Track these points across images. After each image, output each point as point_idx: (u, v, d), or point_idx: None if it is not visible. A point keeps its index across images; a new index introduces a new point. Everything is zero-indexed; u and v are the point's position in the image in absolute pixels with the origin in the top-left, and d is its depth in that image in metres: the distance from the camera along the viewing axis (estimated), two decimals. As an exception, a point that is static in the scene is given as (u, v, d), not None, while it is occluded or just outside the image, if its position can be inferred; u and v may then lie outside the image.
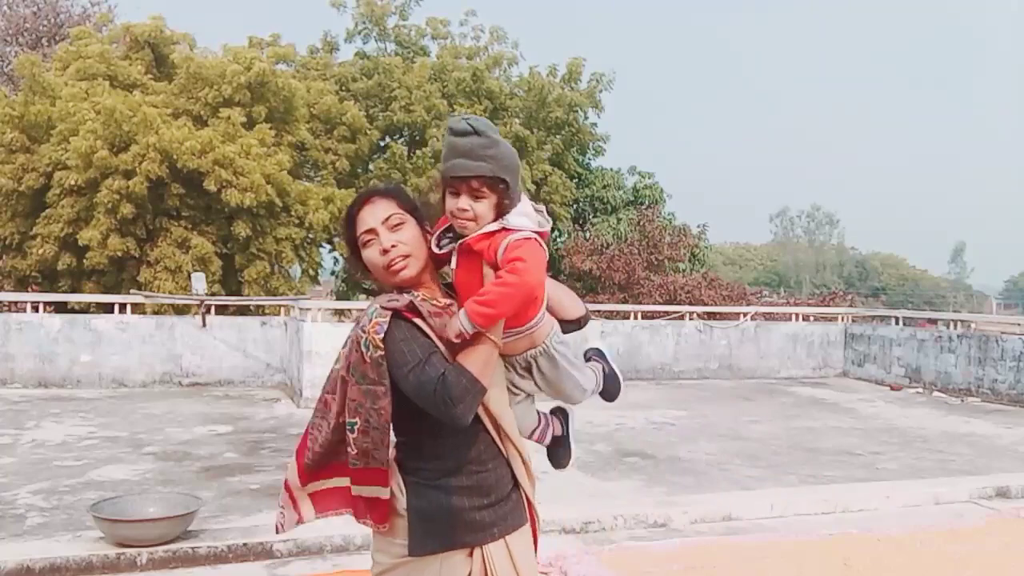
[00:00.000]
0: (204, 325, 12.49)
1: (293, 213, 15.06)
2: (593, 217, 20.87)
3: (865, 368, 14.82)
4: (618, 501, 6.26)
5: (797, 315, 15.80)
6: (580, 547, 5.27)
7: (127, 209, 13.30)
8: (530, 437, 2.21)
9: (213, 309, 12.87)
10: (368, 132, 17.67)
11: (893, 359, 14.23)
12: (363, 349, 1.92)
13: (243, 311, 14.09)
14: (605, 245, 18.52)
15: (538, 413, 2.23)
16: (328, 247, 17.24)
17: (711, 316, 15.32)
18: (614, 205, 20.89)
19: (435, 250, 2.02)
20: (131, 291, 13.34)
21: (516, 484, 2.08)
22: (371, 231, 2.00)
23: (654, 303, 16.33)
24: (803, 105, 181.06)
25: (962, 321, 14.24)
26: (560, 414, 2.28)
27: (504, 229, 1.93)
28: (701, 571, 4.96)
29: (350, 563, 4.92)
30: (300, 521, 2.16)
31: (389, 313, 1.93)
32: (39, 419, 9.37)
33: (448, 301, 2.02)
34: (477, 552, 1.98)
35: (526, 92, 19.54)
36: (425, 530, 1.96)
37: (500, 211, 1.93)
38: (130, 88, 14.96)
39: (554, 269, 17.98)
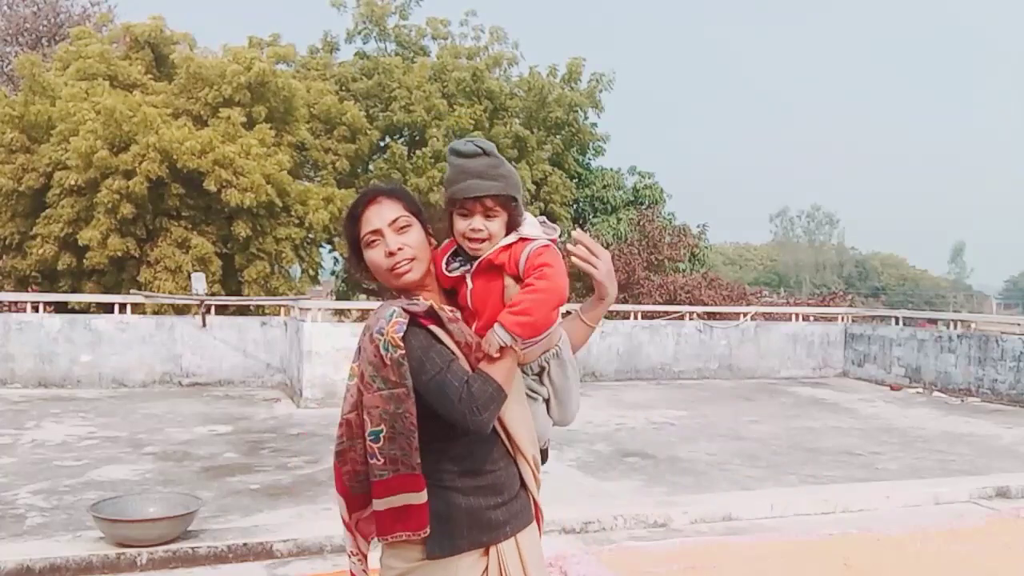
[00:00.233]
0: (204, 325, 12.49)
1: (293, 213, 15.06)
2: (593, 217, 20.87)
3: (865, 368, 14.82)
4: (618, 501, 6.26)
5: (797, 315, 15.80)
6: (580, 547, 5.27)
7: (127, 209, 13.30)
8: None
9: (213, 309, 12.87)
10: (368, 132, 17.67)
11: (893, 359, 14.23)
12: (383, 351, 1.87)
13: (243, 311, 14.09)
14: (605, 245, 18.50)
15: None
16: (328, 247, 17.24)
17: (711, 316, 15.33)
18: (614, 205, 20.89)
19: (445, 273, 2.04)
20: (131, 291, 13.34)
21: (523, 483, 2.08)
22: (376, 232, 1.98)
23: (654, 303, 16.33)
24: (803, 105, 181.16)
25: (962, 321, 14.24)
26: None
27: (521, 239, 1.97)
28: (701, 571, 4.96)
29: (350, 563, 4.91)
30: (364, 558, 2.14)
31: (408, 316, 1.91)
32: (39, 419, 9.37)
33: (452, 311, 2.01)
34: (492, 550, 1.98)
35: (526, 92, 19.54)
36: (443, 531, 1.94)
37: (511, 229, 1.98)
38: (130, 88, 14.96)
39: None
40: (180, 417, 9.67)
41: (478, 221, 1.95)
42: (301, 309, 11.67)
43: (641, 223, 19.14)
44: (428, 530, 1.93)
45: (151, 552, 4.78)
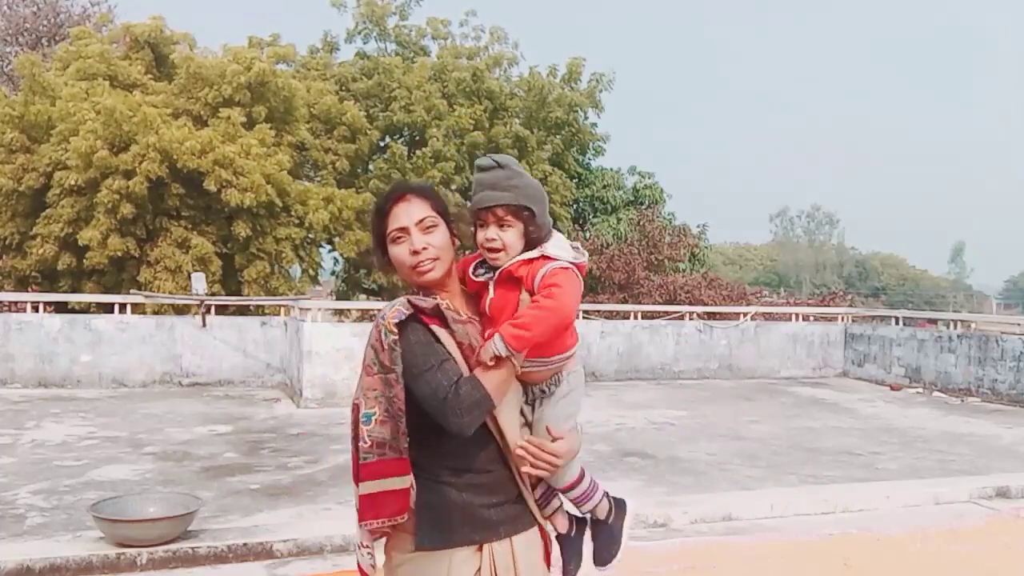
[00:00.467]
0: (204, 325, 12.49)
1: (293, 213, 15.06)
2: (593, 217, 20.88)
3: (865, 368, 14.82)
4: (618, 501, 6.25)
5: (797, 315, 15.80)
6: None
7: (127, 209, 13.30)
8: (568, 492, 2.12)
9: (213, 309, 12.87)
10: (368, 132, 17.67)
11: (893, 359, 14.23)
12: (382, 336, 1.95)
13: (243, 311, 14.09)
14: (605, 245, 18.53)
15: (583, 472, 2.14)
16: (328, 247, 17.24)
17: (711, 316, 15.32)
18: (614, 205, 20.90)
19: (472, 278, 2.08)
20: (131, 291, 13.34)
21: (520, 493, 2.08)
22: (403, 229, 2.02)
23: (654, 303, 16.33)
24: (802, 105, 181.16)
25: (962, 321, 14.24)
26: (618, 504, 2.22)
27: (544, 257, 2.00)
28: (701, 571, 4.96)
29: (350, 563, 4.91)
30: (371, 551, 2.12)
31: (412, 309, 1.96)
32: (39, 419, 9.37)
33: (469, 315, 2.05)
34: (486, 548, 2.00)
35: (526, 92, 19.54)
36: (433, 524, 1.98)
37: (528, 239, 2.00)
38: (130, 88, 14.95)
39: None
40: (180, 417, 9.67)
41: (492, 231, 1.99)
42: (301, 309, 11.67)
43: (641, 223, 19.14)
44: (407, 516, 1.96)
45: (151, 552, 4.78)
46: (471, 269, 2.09)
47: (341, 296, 19.75)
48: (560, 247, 2.03)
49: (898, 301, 52.09)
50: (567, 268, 2.00)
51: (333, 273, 20.19)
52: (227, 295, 13.91)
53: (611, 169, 21.71)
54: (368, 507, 1.98)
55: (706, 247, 22.15)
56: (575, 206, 20.82)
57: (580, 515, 2.20)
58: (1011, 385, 12.11)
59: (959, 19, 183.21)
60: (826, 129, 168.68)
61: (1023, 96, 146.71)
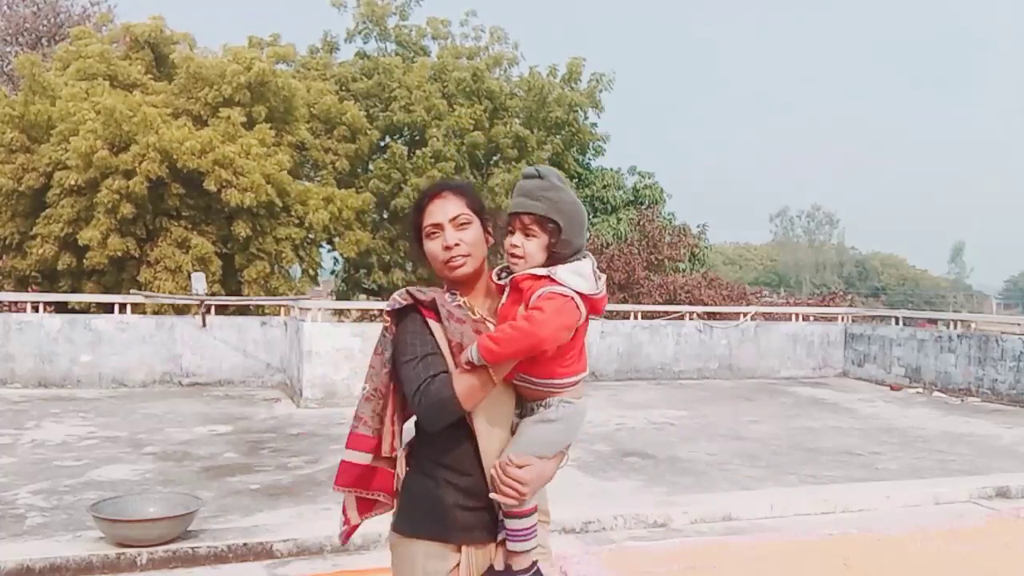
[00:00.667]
0: (204, 325, 12.49)
1: (293, 213, 15.06)
2: (593, 217, 20.88)
3: (865, 368, 14.82)
4: (618, 501, 6.26)
5: (797, 315, 15.80)
6: (580, 547, 5.28)
7: (127, 209, 13.29)
8: (509, 519, 2.00)
9: (213, 309, 12.87)
10: (368, 132, 17.67)
11: (893, 359, 14.23)
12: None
13: (243, 311, 14.09)
14: (605, 245, 18.54)
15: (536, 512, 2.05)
16: (328, 247, 17.24)
17: (711, 316, 15.32)
18: (614, 205, 20.91)
19: (495, 280, 2.12)
20: (131, 291, 13.34)
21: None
22: (437, 225, 2.08)
23: (654, 303, 16.33)
24: (802, 105, 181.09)
25: (962, 321, 14.24)
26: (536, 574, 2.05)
27: (550, 278, 1.98)
28: (701, 571, 4.96)
29: (350, 563, 4.92)
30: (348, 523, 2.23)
31: (410, 300, 2.04)
32: (39, 419, 9.37)
33: (483, 316, 2.09)
34: (465, 549, 2.03)
35: (526, 92, 19.53)
36: (409, 510, 2.08)
37: (551, 252, 2.00)
38: (130, 88, 14.95)
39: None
40: (180, 417, 9.67)
41: (517, 238, 2.02)
42: (301, 309, 11.67)
43: (641, 223, 19.14)
44: (377, 494, 2.13)
45: (151, 552, 4.78)
46: (496, 272, 2.12)
47: (341, 296, 19.75)
48: (576, 272, 2.00)
49: (898, 301, 52.08)
50: (565, 296, 1.96)
51: (333, 273, 20.19)
52: (227, 295, 13.91)
53: (611, 169, 21.72)
54: (339, 472, 2.14)
55: (706, 247, 22.16)
56: (575, 206, 20.80)
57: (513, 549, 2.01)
58: (1011, 385, 12.11)
59: (959, 19, 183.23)
60: (826, 129, 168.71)
61: (1023, 96, 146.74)
